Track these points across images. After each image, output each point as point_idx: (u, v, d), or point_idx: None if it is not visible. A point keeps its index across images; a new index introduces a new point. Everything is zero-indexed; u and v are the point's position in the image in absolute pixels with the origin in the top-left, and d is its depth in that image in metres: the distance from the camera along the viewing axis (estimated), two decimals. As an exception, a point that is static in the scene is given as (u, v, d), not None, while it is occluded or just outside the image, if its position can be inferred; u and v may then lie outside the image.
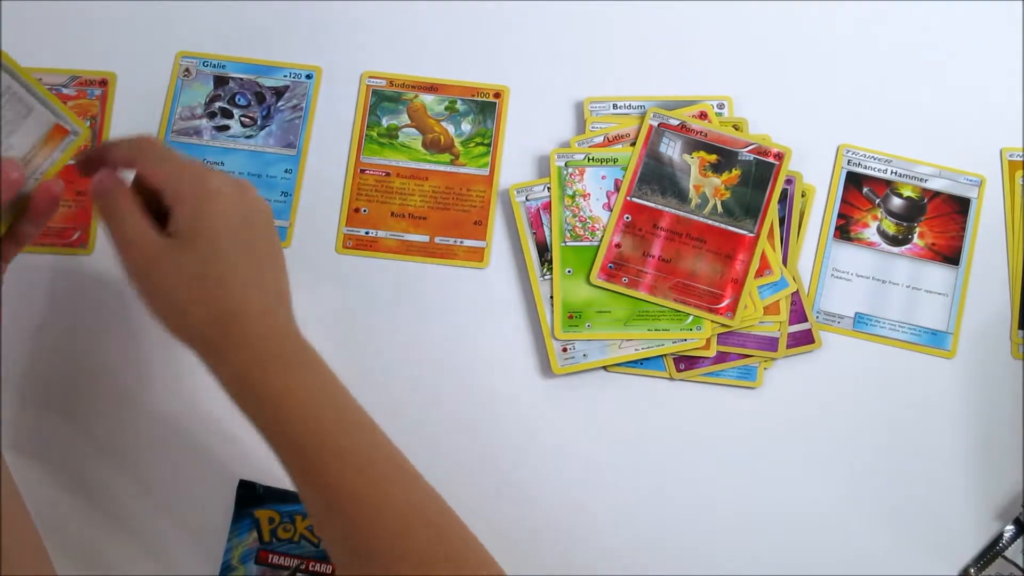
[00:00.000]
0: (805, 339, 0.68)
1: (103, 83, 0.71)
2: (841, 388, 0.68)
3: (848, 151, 0.71)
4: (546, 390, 0.67)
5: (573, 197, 0.69)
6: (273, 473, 0.64)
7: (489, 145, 0.71)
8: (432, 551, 0.46)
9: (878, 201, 0.70)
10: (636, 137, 0.70)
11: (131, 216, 0.49)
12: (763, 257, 0.67)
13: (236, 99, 0.72)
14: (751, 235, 0.68)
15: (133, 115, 0.71)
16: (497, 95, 0.72)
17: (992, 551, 0.63)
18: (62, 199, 0.53)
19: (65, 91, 0.71)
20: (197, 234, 0.48)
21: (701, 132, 0.69)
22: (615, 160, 0.69)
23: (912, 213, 0.70)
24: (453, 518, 0.48)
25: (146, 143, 0.51)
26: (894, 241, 0.70)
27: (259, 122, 0.71)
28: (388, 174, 0.71)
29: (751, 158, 0.69)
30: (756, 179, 0.69)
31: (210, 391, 0.66)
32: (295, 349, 0.49)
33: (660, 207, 0.68)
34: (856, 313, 0.69)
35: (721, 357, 0.67)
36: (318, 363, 0.50)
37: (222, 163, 0.70)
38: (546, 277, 0.68)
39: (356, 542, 0.46)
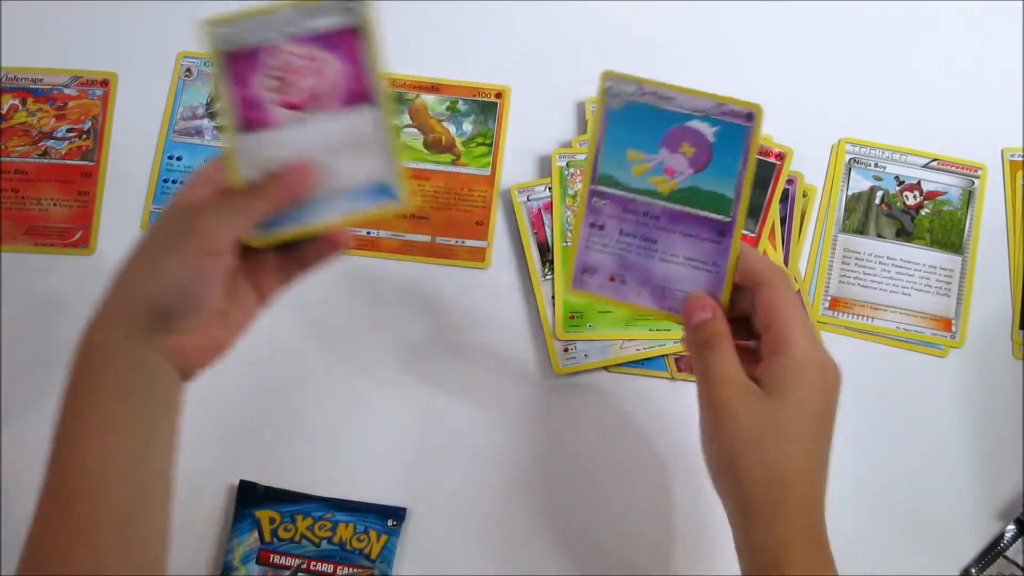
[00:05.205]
0: (806, 339, 0.68)
1: (104, 83, 0.71)
2: (842, 388, 0.68)
3: (850, 145, 0.72)
4: (547, 390, 0.67)
5: (574, 197, 0.69)
6: (274, 473, 0.64)
7: (490, 145, 0.71)
8: None
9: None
10: (637, 137, 0.70)
11: (728, 355, 0.48)
12: (764, 257, 0.67)
13: (237, 99, 0.71)
14: (752, 235, 0.68)
15: (135, 115, 0.71)
16: (498, 95, 0.72)
17: (993, 551, 0.63)
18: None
19: (67, 91, 0.71)
20: (785, 394, 0.47)
21: (702, 132, 0.69)
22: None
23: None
24: None
25: (784, 279, 0.49)
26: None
27: (260, 122, 0.71)
28: (389, 174, 0.71)
29: (752, 158, 0.69)
30: (757, 179, 0.69)
31: (210, 391, 0.66)
32: (823, 532, 0.49)
33: (661, 207, 0.68)
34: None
35: (722, 357, 0.67)
36: (830, 551, 0.49)
37: (223, 163, 0.70)
38: (547, 277, 0.68)
39: None
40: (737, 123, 0.49)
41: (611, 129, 0.50)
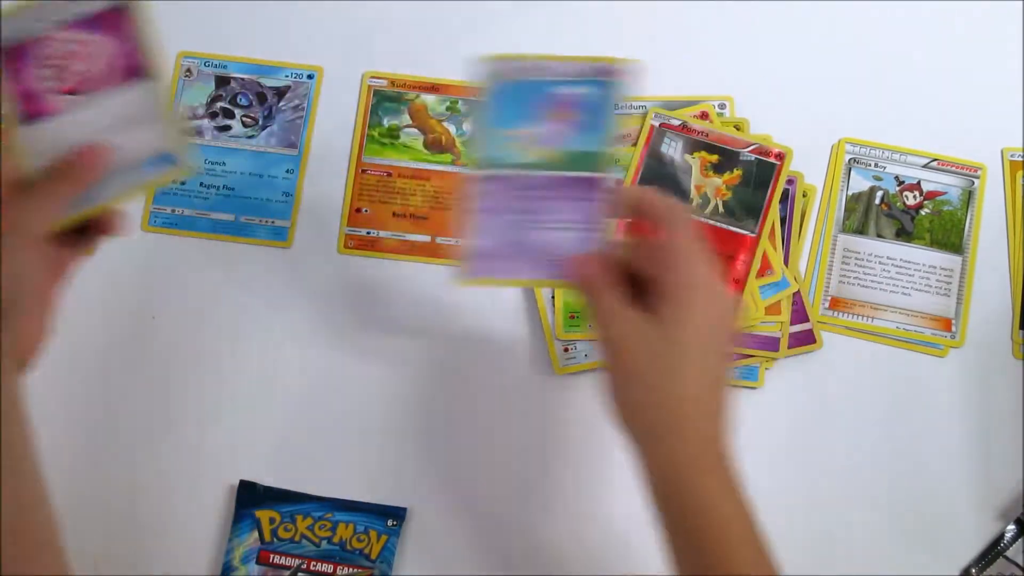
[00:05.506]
0: (806, 339, 0.68)
1: (105, 83, 0.71)
2: (842, 388, 0.68)
3: (850, 145, 0.72)
4: (548, 390, 0.67)
5: (574, 197, 0.69)
6: (274, 473, 0.64)
7: (490, 145, 0.71)
8: None
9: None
10: (637, 137, 0.70)
11: (614, 295, 0.49)
12: (764, 257, 0.67)
13: (238, 99, 0.72)
14: (752, 235, 0.68)
15: (134, 115, 0.71)
16: (498, 95, 0.72)
17: (993, 551, 0.63)
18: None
19: (67, 91, 0.71)
20: (674, 318, 0.47)
21: (702, 132, 0.69)
22: (616, 160, 0.69)
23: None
24: None
25: (684, 214, 0.50)
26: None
27: (261, 122, 0.71)
28: (389, 174, 0.71)
29: (752, 158, 0.69)
30: (757, 179, 0.69)
31: (210, 391, 0.66)
32: (726, 459, 0.49)
33: (661, 207, 0.68)
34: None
35: (722, 357, 0.67)
36: (739, 479, 0.49)
37: (224, 163, 0.70)
38: (547, 277, 0.68)
39: None
40: (606, 80, 0.50)
41: (493, 112, 0.50)
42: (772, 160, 0.69)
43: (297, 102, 0.72)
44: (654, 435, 0.48)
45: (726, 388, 0.49)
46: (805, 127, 0.71)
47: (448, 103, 0.72)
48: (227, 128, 0.71)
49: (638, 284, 0.49)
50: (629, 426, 0.49)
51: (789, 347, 0.67)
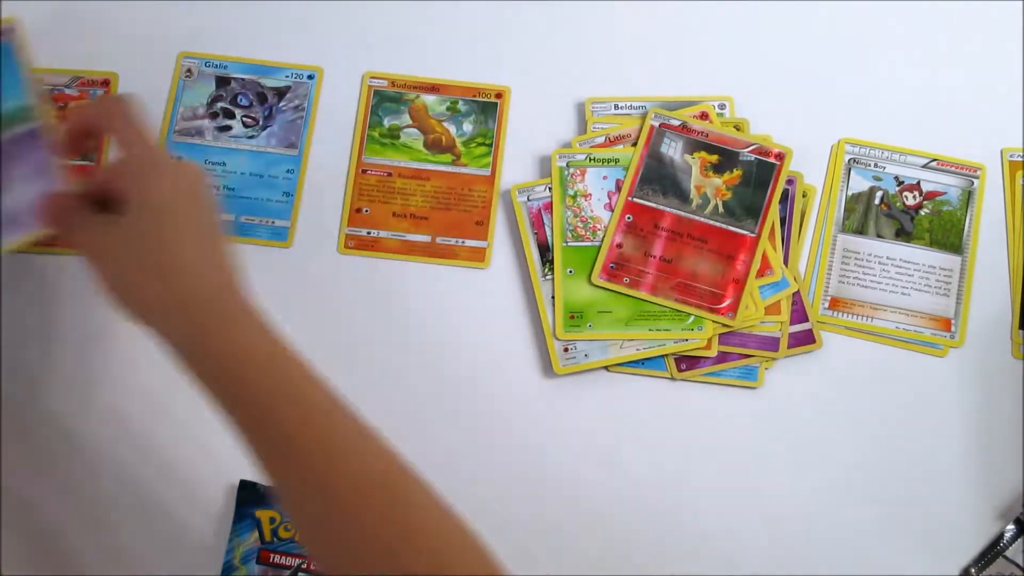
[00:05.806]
0: (806, 339, 0.68)
1: (105, 83, 0.71)
2: (842, 388, 0.68)
3: (850, 145, 0.72)
4: (547, 390, 0.67)
5: (574, 197, 0.69)
6: (275, 473, 0.64)
7: (491, 145, 0.71)
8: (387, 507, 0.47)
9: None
10: (637, 137, 0.70)
11: (77, 213, 0.51)
12: (764, 257, 0.67)
13: (238, 99, 0.72)
14: (752, 235, 0.68)
15: (135, 115, 0.71)
16: (499, 95, 0.72)
17: (993, 551, 0.63)
18: None
19: (67, 91, 0.71)
20: (145, 207, 0.50)
21: (702, 132, 0.70)
22: (616, 160, 0.69)
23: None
24: (411, 480, 0.48)
25: (115, 111, 0.52)
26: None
27: (261, 122, 0.71)
28: (390, 174, 0.71)
29: (752, 158, 0.69)
30: (757, 179, 0.69)
31: (212, 391, 0.66)
32: (248, 310, 0.51)
33: (661, 207, 0.68)
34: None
35: (722, 357, 0.67)
36: (269, 325, 0.51)
37: (224, 163, 0.70)
38: (547, 277, 0.68)
39: (314, 485, 0.48)
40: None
41: None
42: (772, 160, 0.69)
43: (297, 102, 0.72)
44: (168, 313, 0.49)
45: (223, 246, 0.51)
46: (805, 127, 0.71)
47: (448, 103, 0.72)
48: (227, 128, 0.71)
49: (112, 209, 0.50)
50: (147, 318, 0.50)
51: (789, 347, 0.67)
